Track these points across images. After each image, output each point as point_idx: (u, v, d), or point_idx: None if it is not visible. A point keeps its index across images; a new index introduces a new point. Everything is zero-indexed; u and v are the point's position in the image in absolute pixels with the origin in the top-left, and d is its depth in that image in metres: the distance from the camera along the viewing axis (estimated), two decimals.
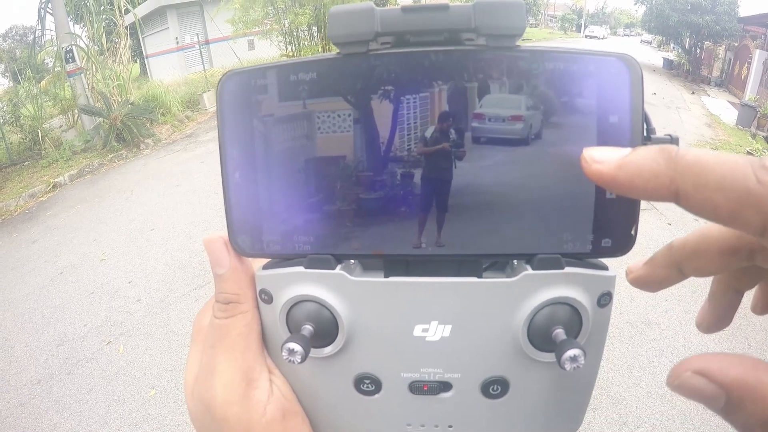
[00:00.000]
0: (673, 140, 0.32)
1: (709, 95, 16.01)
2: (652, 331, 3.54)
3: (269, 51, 14.09)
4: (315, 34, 13.53)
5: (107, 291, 4.52)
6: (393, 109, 0.32)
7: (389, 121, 0.32)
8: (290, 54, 13.07)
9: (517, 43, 0.31)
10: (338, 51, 0.32)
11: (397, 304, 0.34)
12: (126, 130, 9.06)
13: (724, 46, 18.76)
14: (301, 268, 0.34)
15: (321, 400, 0.38)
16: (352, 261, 0.36)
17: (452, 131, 0.32)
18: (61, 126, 10.34)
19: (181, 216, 5.92)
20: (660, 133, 0.32)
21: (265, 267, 0.36)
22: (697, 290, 4.06)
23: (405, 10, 0.31)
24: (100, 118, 9.19)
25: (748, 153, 6.25)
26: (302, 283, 0.34)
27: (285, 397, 0.37)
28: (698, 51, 20.29)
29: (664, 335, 3.51)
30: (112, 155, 8.84)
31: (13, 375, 3.57)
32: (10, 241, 6.10)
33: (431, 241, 0.33)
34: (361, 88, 0.32)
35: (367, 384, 0.36)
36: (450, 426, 0.37)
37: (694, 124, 10.44)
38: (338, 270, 0.34)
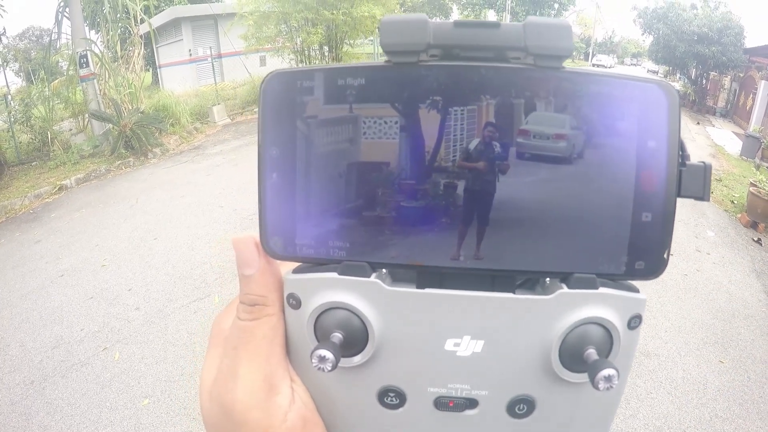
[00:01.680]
0: (706, 168, 0.32)
1: (714, 126, 16.07)
2: (651, 362, 3.51)
3: (281, 68, 14.21)
4: (326, 54, 13.70)
5: (106, 297, 4.52)
6: (440, 120, 0.32)
7: (435, 131, 0.32)
8: None
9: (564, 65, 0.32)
10: (387, 59, 0.32)
11: (430, 317, 0.33)
12: (135, 138, 9.14)
13: (729, 76, 18.89)
14: (334, 275, 0.34)
15: (342, 412, 0.37)
16: (384, 271, 0.35)
17: (497, 145, 0.32)
18: (70, 129, 10.44)
19: (184, 227, 5.94)
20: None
21: (296, 271, 0.35)
22: (697, 322, 4.04)
23: (457, 24, 0.31)
24: (110, 125, 9.29)
25: (752, 184, 6.25)
26: (334, 290, 0.33)
27: (306, 406, 0.36)
28: (704, 81, 20.42)
29: (663, 367, 3.47)
30: (119, 162, 8.91)
31: (6, 373, 3.56)
32: (12, 240, 6.12)
33: (470, 254, 0.33)
34: (409, 97, 0.32)
35: (392, 397, 0.35)
36: None
37: (699, 155, 10.40)
38: (373, 278, 0.33)
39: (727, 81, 19.24)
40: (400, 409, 0.36)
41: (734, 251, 5.54)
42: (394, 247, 0.34)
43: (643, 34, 22.12)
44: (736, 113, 17.47)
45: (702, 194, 0.33)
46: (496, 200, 0.32)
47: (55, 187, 7.87)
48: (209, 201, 6.75)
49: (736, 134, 13.94)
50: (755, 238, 5.87)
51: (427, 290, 0.33)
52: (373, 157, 0.34)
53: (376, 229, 0.34)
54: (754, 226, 6.15)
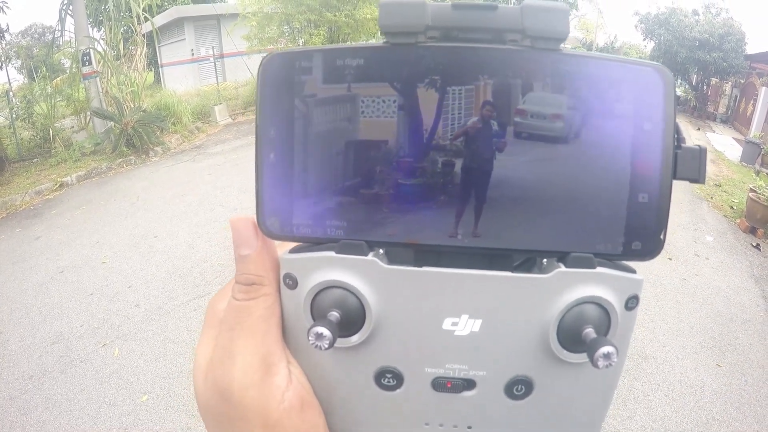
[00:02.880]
0: (701, 151, 0.33)
1: (714, 131, 16.06)
2: (648, 364, 3.52)
3: None
4: None
5: (106, 293, 4.53)
6: (438, 99, 0.32)
7: (434, 110, 0.32)
8: None
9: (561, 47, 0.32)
10: (385, 40, 0.32)
11: (428, 295, 0.33)
12: (136, 136, 9.16)
13: (730, 83, 18.88)
14: (331, 253, 0.34)
15: (338, 393, 0.36)
16: (381, 251, 0.35)
17: (494, 123, 0.32)
18: (72, 127, 10.45)
19: (184, 225, 5.95)
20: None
21: (292, 251, 0.35)
22: (695, 325, 4.05)
23: (455, 6, 0.32)
24: (112, 123, 9.30)
25: (751, 190, 6.26)
26: (332, 269, 0.33)
27: (303, 386, 0.36)
28: (705, 87, 20.40)
29: (661, 369, 3.48)
30: (120, 160, 8.92)
31: (5, 368, 3.56)
32: (13, 236, 6.12)
33: (467, 232, 0.33)
34: (408, 77, 0.32)
35: (389, 378, 0.35)
36: (469, 427, 0.36)
37: None
38: (371, 257, 0.33)
39: (727, 87, 19.24)
40: (398, 391, 0.35)
41: (733, 256, 5.55)
42: (392, 226, 0.34)
43: (644, 40, 22.11)
44: (736, 119, 17.47)
45: (697, 176, 0.33)
46: (494, 178, 0.33)
47: (56, 184, 7.88)
48: (210, 200, 6.75)
49: (737, 140, 13.93)
50: (754, 244, 5.88)
51: (425, 268, 0.33)
52: (371, 136, 0.34)
53: (374, 208, 0.34)
54: (752, 231, 6.16)
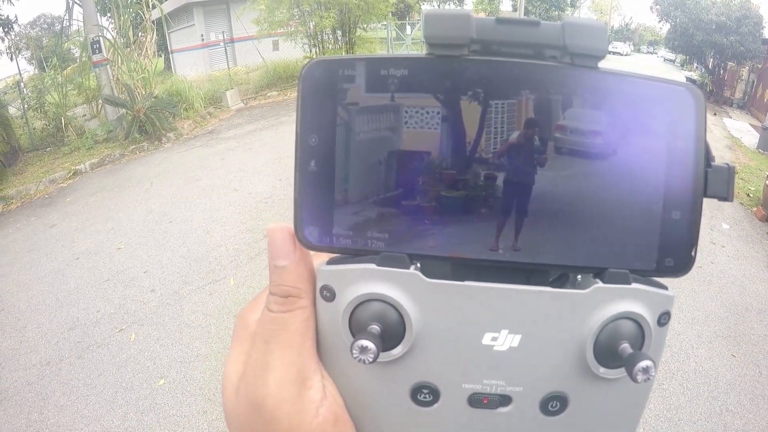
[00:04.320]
0: (730, 169, 0.34)
1: (730, 117, 15.83)
2: (663, 353, 3.51)
3: (294, 52, 14.21)
4: (339, 38, 13.64)
5: (122, 279, 4.58)
6: (481, 112, 0.32)
7: (477, 123, 0.32)
8: (314, 56, 13.22)
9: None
10: (429, 51, 0.33)
11: (470, 310, 0.33)
12: (149, 123, 9.20)
13: (747, 67, 18.56)
14: (372, 266, 0.33)
15: (371, 409, 0.36)
16: (417, 264, 0.34)
17: (536, 138, 0.33)
18: (84, 115, 10.53)
19: (199, 210, 5.99)
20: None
21: (330, 262, 0.35)
22: (710, 314, 4.02)
23: (499, 21, 0.32)
24: (124, 110, 9.34)
25: None
26: (373, 282, 0.33)
27: (336, 402, 0.35)
28: (721, 72, 20.10)
29: (676, 358, 3.47)
30: (133, 146, 8.97)
31: (23, 355, 3.64)
32: (28, 224, 6.21)
33: (507, 247, 0.33)
34: (451, 89, 0.32)
35: (425, 394, 0.35)
36: None
37: (715, 146, 10.24)
38: (413, 270, 0.33)
39: (744, 72, 18.90)
40: (433, 407, 0.35)
41: (749, 245, 5.49)
42: (433, 238, 0.34)
43: (660, 22, 21.74)
44: (753, 105, 17.17)
45: (726, 194, 0.34)
46: (535, 193, 0.33)
47: (69, 172, 7.96)
48: (224, 184, 6.79)
49: (753, 126, 13.72)
50: None
51: (468, 283, 0.33)
52: (414, 146, 0.34)
53: (416, 220, 0.33)
54: None
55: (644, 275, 0.34)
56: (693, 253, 0.33)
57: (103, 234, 5.62)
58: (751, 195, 7.03)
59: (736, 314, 4.07)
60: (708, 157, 0.33)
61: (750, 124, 14.37)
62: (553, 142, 0.33)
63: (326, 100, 0.33)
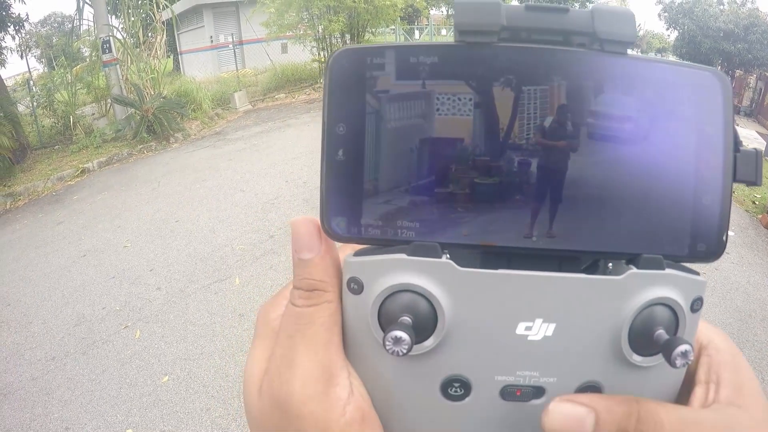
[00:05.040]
0: (758, 153, 0.34)
1: (738, 125, 15.47)
2: None
3: (302, 56, 14.26)
4: (348, 42, 13.69)
5: (128, 277, 4.61)
6: (513, 98, 0.32)
7: (509, 109, 0.32)
8: (322, 59, 13.26)
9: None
10: (459, 39, 0.32)
11: (504, 299, 0.32)
12: (157, 123, 9.27)
13: (755, 75, 18.47)
14: (403, 256, 0.32)
15: (400, 405, 0.34)
16: (447, 253, 0.33)
17: (569, 124, 0.32)
18: (93, 114, 10.62)
19: (205, 210, 6.02)
20: None
21: (357, 254, 0.34)
22: (714, 321, 4.00)
23: (528, 8, 0.32)
24: (133, 109, 9.42)
25: None
26: (404, 272, 0.32)
27: (363, 399, 0.33)
28: (729, 79, 20.00)
29: None
30: (141, 146, 9.04)
31: (28, 350, 3.67)
32: (35, 221, 6.26)
33: (542, 234, 0.32)
34: (483, 76, 0.32)
35: (456, 388, 0.33)
36: None
37: None
38: (445, 259, 0.32)
39: (752, 79, 18.81)
40: (464, 401, 0.34)
41: (753, 252, 5.46)
42: (467, 226, 0.33)
43: (668, 29, 21.71)
44: (760, 113, 17.08)
45: (755, 179, 0.34)
46: (569, 178, 0.32)
47: (77, 170, 8.02)
48: (230, 185, 6.81)
49: (761, 134, 13.65)
50: None
51: (502, 271, 0.32)
52: (446, 133, 0.33)
53: (448, 208, 0.33)
54: None
55: (676, 261, 0.33)
56: (724, 238, 0.33)
57: (110, 232, 5.65)
58: (757, 202, 6.99)
59: (740, 321, 4.05)
60: (736, 141, 0.33)
61: (757, 132, 14.29)
62: (586, 127, 0.32)
63: (355, 89, 0.33)
